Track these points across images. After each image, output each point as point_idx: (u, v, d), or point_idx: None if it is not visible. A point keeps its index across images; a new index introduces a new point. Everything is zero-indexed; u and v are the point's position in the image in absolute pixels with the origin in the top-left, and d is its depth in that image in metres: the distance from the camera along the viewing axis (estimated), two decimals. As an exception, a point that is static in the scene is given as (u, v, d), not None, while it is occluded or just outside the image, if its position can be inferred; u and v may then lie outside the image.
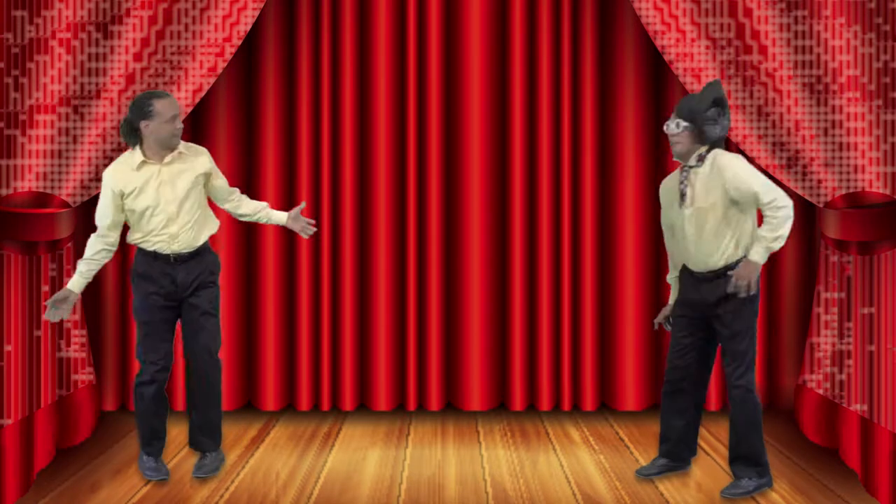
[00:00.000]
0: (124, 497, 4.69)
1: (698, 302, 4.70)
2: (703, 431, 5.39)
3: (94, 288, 5.98)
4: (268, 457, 5.34)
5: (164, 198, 4.75)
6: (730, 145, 5.19)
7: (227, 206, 5.06)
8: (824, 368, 5.57)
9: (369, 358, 6.23)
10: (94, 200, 5.01)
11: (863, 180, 5.26)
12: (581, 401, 6.22)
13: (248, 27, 5.41)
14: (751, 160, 5.24)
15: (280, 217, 5.08)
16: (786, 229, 4.48)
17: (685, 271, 4.79)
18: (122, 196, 4.71)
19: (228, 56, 5.40)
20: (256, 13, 5.40)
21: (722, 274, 4.62)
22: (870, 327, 5.18)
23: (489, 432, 5.81)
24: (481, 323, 6.21)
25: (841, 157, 5.29)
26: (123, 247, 5.22)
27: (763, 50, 5.29)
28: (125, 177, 4.71)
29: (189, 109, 5.41)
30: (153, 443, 4.98)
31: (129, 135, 4.74)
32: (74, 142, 5.28)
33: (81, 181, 5.28)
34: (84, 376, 5.67)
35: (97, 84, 5.28)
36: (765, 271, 5.49)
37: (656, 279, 6.15)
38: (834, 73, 5.25)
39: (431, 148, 6.14)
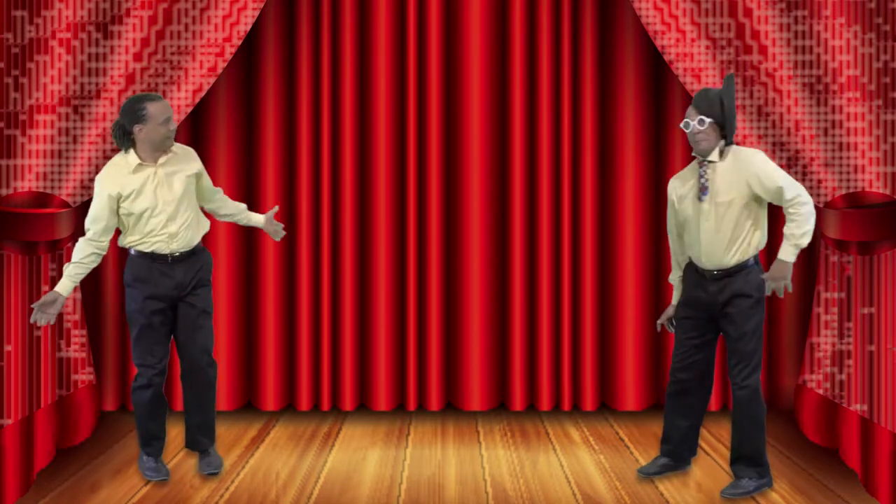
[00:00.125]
0: (124, 497, 4.69)
1: (705, 301, 4.68)
2: (702, 431, 5.40)
3: (94, 288, 5.99)
4: (268, 457, 5.33)
5: (162, 199, 4.74)
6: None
7: (210, 207, 5.06)
8: (824, 368, 5.57)
9: (369, 358, 6.23)
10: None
11: (863, 180, 5.25)
12: (581, 401, 6.22)
13: (248, 27, 5.41)
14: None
15: (258, 219, 5.17)
16: (811, 225, 4.50)
17: (691, 270, 4.76)
18: (120, 199, 4.70)
19: (228, 56, 5.40)
20: (256, 13, 5.40)
21: (733, 272, 4.61)
22: (870, 327, 5.18)
23: (489, 432, 5.81)
24: (481, 323, 6.21)
25: (841, 157, 5.29)
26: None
27: (763, 50, 5.29)
28: (121, 180, 4.70)
29: (189, 109, 5.41)
30: (153, 443, 4.98)
31: (122, 138, 4.73)
32: (74, 142, 5.28)
33: (81, 181, 5.28)
34: (84, 376, 5.67)
35: (97, 84, 5.28)
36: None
37: (656, 279, 6.15)
38: (834, 73, 5.25)
39: (431, 148, 6.14)
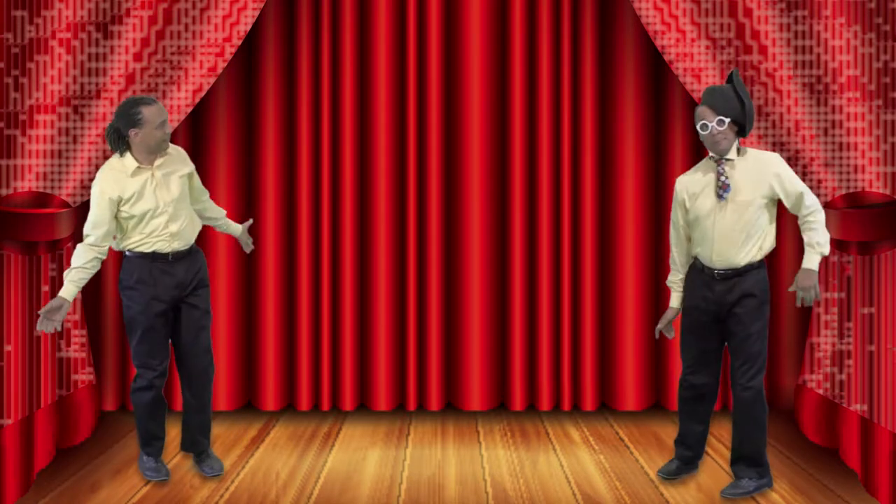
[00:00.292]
0: (124, 497, 4.69)
1: (711, 301, 4.65)
2: (703, 431, 5.39)
3: (93, 288, 5.99)
4: (268, 457, 5.34)
5: (162, 199, 4.75)
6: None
7: (196, 207, 5.05)
8: (824, 368, 5.57)
9: (369, 358, 6.23)
10: (94, 200, 5.01)
11: (863, 180, 5.25)
12: (581, 401, 6.22)
13: (248, 27, 5.40)
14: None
15: (235, 228, 5.25)
16: (828, 234, 4.62)
17: (695, 271, 4.72)
18: (120, 203, 4.70)
19: (228, 56, 5.40)
20: (256, 13, 5.40)
21: (742, 272, 4.60)
22: (870, 327, 5.18)
23: (489, 432, 5.81)
24: (481, 323, 6.21)
25: (841, 157, 5.29)
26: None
27: (763, 50, 5.29)
28: (121, 183, 4.70)
29: (189, 109, 5.41)
30: (153, 443, 4.98)
31: (117, 142, 4.72)
32: (74, 142, 5.28)
33: (81, 181, 5.28)
34: (84, 376, 5.67)
35: (97, 84, 5.28)
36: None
37: (656, 279, 6.15)
38: (834, 73, 5.25)
39: (431, 148, 6.14)
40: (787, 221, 5.80)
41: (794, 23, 5.29)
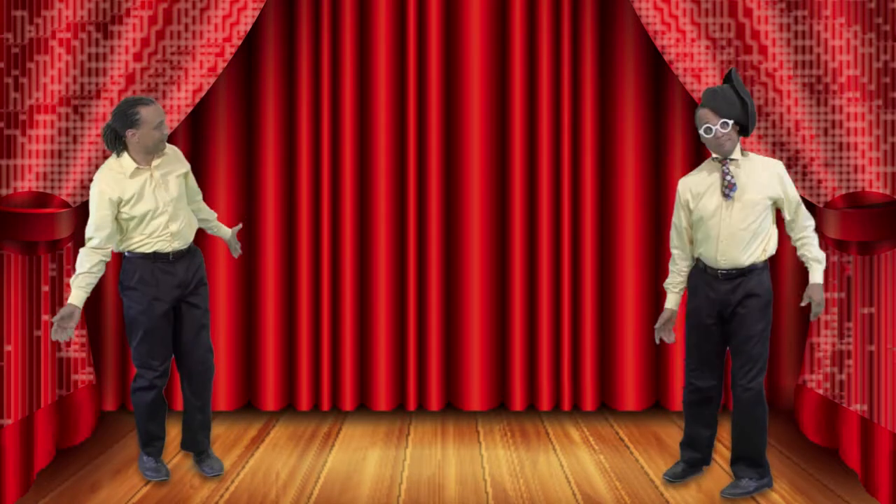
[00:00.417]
0: (124, 497, 4.69)
1: (716, 302, 4.64)
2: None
3: (94, 288, 5.97)
4: (268, 457, 5.34)
5: (162, 200, 4.75)
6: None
7: (191, 207, 5.05)
8: (824, 368, 5.57)
9: (369, 358, 6.23)
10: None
11: (863, 180, 5.25)
12: (581, 401, 6.22)
13: (248, 27, 5.41)
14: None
15: (225, 231, 5.25)
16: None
17: (698, 272, 4.71)
18: (120, 204, 4.70)
19: (228, 56, 5.40)
20: (256, 13, 5.40)
21: (746, 272, 4.59)
22: (870, 327, 5.18)
23: (489, 432, 5.81)
24: (481, 323, 6.21)
25: (841, 157, 5.29)
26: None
27: (763, 50, 5.29)
28: (120, 184, 4.70)
29: (189, 109, 5.41)
30: (153, 443, 4.98)
31: (114, 142, 4.72)
32: (74, 142, 5.28)
33: (81, 181, 5.28)
34: (84, 376, 5.67)
35: (97, 84, 5.28)
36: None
37: (656, 279, 6.15)
38: (834, 73, 5.25)
39: (431, 148, 6.14)
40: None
41: (794, 23, 5.29)
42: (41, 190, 5.24)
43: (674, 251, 4.80)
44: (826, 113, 5.29)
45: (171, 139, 5.79)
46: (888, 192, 5.22)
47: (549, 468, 5.15)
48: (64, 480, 4.94)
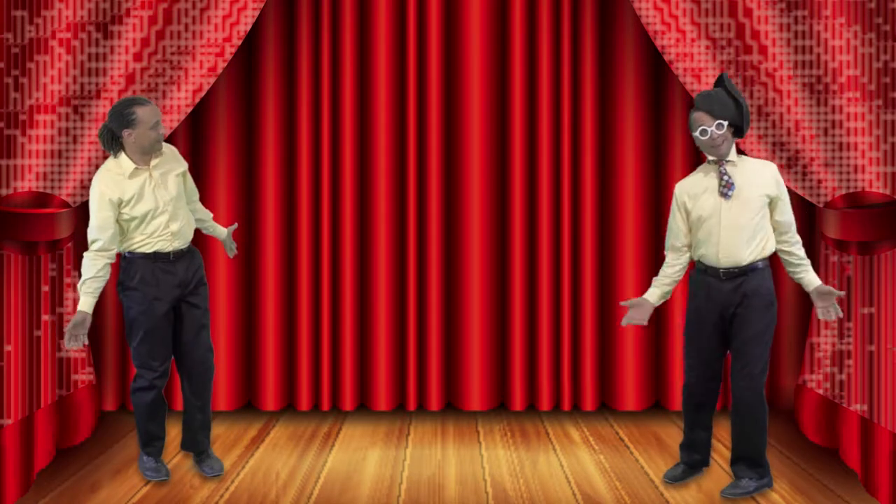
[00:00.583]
0: (124, 497, 4.69)
1: (717, 303, 4.62)
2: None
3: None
4: (268, 457, 5.34)
5: (161, 199, 4.75)
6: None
7: (188, 207, 5.05)
8: (824, 368, 5.57)
9: (369, 358, 6.23)
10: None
11: (863, 180, 5.25)
12: (581, 401, 6.22)
13: (248, 27, 5.41)
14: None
15: (220, 231, 5.26)
16: None
17: (700, 274, 4.69)
18: (121, 205, 4.70)
19: (228, 56, 5.40)
20: (256, 13, 5.40)
21: (747, 271, 4.59)
22: (870, 327, 5.18)
23: (489, 432, 5.81)
24: (481, 323, 6.21)
25: (841, 157, 5.29)
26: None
27: (763, 50, 5.29)
28: (120, 185, 4.70)
29: (189, 109, 5.41)
30: (153, 443, 4.98)
31: (110, 142, 4.72)
32: (74, 142, 5.28)
33: (81, 181, 5.28)
34: (84, 376, 5.67)
35: (97, 84, 5.28)
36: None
37: (656, 279, 6.15)
38: (834, 73, 5.25)
39: (431, 148, 6.14)
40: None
41: (794, 23, 5.29)
42: (41, 190, 5.24)
43: (667, 254, 4.80)
44: (826, 113, 5.29)
45: (171, 139, 5.79)
46: (888, 192, 5.22)
47: (549, 468, 5.15)
48: (64, 480, 4.94)
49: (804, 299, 6.02)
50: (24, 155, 5.23)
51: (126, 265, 4.83)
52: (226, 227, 5.45)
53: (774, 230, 4.64)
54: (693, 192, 4.67)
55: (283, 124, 6.17)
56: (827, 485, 4.85)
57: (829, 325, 5.54)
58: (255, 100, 6.17)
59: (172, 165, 4.84)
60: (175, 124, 5.40)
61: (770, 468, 4.78)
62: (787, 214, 4.64)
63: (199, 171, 6.03)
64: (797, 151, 5.33)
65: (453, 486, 4.86)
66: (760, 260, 4.61)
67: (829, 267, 5.54)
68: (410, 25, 6.10)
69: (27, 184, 5.22)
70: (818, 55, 5.27)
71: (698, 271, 4.72)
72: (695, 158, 6.06)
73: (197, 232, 5.12)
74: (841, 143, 5.28)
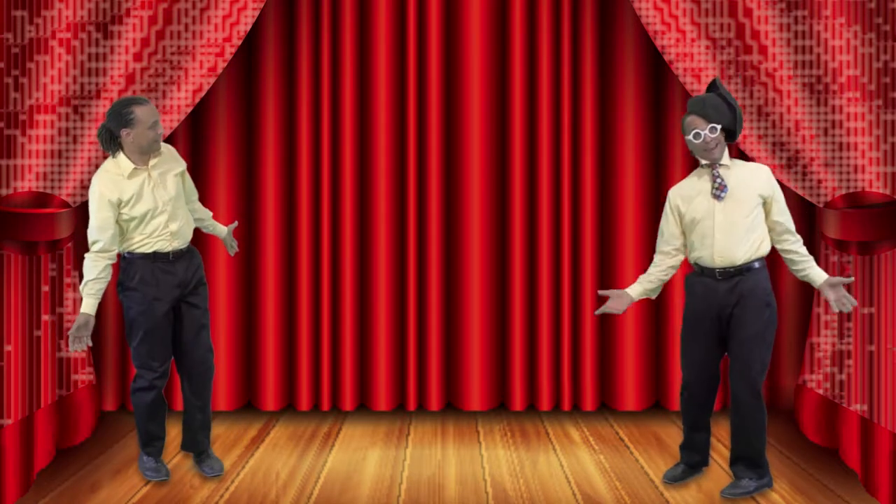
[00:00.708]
0: (124, 497, 4.69)
1: (714, 305, 4.62)
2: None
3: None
4: (268, 457, 5.34)
5: (161, 199, 4.75)
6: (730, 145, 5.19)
7: (188, 207, 5.05)
8: (824, 368, 5.57)
9: (369, 358, 6.23)
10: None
11: (863, 180, 5.26)
12: (581, 401, 6.22)
13: (248, 27, 5.41)
14: (751, 160, 5.25)
15: (221, 230, 5.26)
16: None
17: (696, 277, 4.69)
18: (120, 205, 4.70)
19: (228, 56, 5.40)
20: (256, 13, 5.40)
21: (743, 271, 4.60)
22: (870, 327, 5.18)
23: (489, 432, 5.81)
24: (481, 323, 6.21)
25: (841, 157, 5.29)
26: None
27: (763, 50, 5.30)
28: (119, 186, 4.69)
29: (189, 109, 5.41)
30: (153, 443, 4.98)
31: (109, 142, 4.72)
32: (74, 142, 5.28)
33: (81, 181, 5.28)
34: (84, 376, 5.67)
35: (97, 84, 5.28)
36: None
37: (656, 279, 6.15)
38: (834, 73, 5.25)
39: (431, 148, 6.14)
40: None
41: (794, 23, 5.29)
42: (41, 190, 5.24)
43: (655, 256, 4.81)
44: (826, 113, 5.29)
45: (171, 139, 5.79)
46: (888, 192, 5.22)
47: (549, 468, 5.15)
48: (64, 480, 4.94)
49: (804, 299, 6.03)
50: (24, 155, 5.23)
51: (125, 265, 4.83)
52: (226, 226, 5.46)
53: (774, 231, 4.64)
54: (686, 195, 4.68)
55: (283, 124, 6.17)
56: (827, 485, 4.86)
57: (829, 324, 5.54)
58: (255, 100, 6.17)
59: (171, 165, 4.84)
60: (175, 124, 5.40)
61: (770, 468, 4.78)
62: (783, 214, 4.63)
63: (199, 171, 6.03)
64: (797, 151, 5.33)
65: (453, 486, 4.86)
66: (756, 260, 4.60)
67: (830, 267, 5.53)
68: (410, 25, 6.10)
69: (27, 184, 5.22)
70: (818, 55, 5.27)
71: (695, 273, 4.72)
72: (694, 158, 6.05)
73: (197, 231, 5.12)
74: (841, 143, 5.28)
